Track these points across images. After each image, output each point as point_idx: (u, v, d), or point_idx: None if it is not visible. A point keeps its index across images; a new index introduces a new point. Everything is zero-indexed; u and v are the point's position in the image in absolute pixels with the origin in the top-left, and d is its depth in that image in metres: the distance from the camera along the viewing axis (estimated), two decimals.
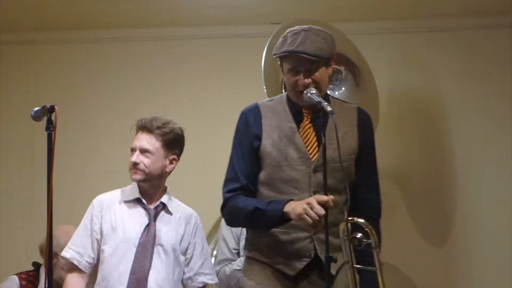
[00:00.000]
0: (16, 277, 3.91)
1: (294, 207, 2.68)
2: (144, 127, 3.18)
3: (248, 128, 2.89)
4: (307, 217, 2.61)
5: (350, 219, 2.72)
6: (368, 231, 2.69)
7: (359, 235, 2.68)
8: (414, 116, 4.99)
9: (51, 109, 2.60)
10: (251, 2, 4.79)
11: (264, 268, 2.85)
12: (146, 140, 3.17)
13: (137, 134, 3.20)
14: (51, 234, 2.58)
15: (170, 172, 3.25)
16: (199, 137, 4.81)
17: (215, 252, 3.95)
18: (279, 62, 2.87)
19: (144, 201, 3.18)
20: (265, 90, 4.03)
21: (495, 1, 4.68)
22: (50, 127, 2.60)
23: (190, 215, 3.29)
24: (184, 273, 3.23)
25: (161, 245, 3.12)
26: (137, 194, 3.18)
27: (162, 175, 3.21)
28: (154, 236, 3.11)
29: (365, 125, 2.92)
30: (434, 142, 4.99)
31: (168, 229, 3.17)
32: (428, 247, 4.85)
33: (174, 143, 3.21)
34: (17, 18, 4.89)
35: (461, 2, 4.74)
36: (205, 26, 5.03)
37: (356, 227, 2.74)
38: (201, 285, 3.26)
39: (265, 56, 3.90)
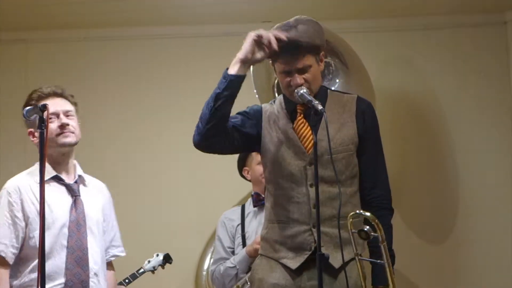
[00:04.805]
0: None
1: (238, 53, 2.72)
2: (55, 93, 3.02)
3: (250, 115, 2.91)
4: (259, 39, 2.66)
5: (357, 213, 2.71)
6: (375, 225, 2.67)
7: (366, 228, 2.66)
8: (408, 114, 5.02)
9: (43, 108, 2.60)
10: (241, 0, 4.80)
11: (270, 261, 2.88)
12: (64, 103, 3.02)
13: (45, 100, 2.96)
14: (44, 231, 2.58)
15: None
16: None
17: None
18: (270, 62, 2.89)
19: (62, 177, 3.00)
20: (256, 96, 4.04)
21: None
22: (42, 125, 2.60)
23: (102, 186, 3.15)
24: None
25: (92, 221, 2.98)
26: (53, 172, 2.98)
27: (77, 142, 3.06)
28: (83, 212, 2.96)
29: (365, 114, 2.88)
30: (430, 140, 5.02)
31: (91, 203, 3.02)
32: (425, 246, 4.91)
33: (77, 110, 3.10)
34: (8, 17, 4.89)
35: (454, 0, 4.77)
36: (196, 24, 5.05)
37: (365, 220, 2.71)
38: (113, 258, 3.15)
39: None
